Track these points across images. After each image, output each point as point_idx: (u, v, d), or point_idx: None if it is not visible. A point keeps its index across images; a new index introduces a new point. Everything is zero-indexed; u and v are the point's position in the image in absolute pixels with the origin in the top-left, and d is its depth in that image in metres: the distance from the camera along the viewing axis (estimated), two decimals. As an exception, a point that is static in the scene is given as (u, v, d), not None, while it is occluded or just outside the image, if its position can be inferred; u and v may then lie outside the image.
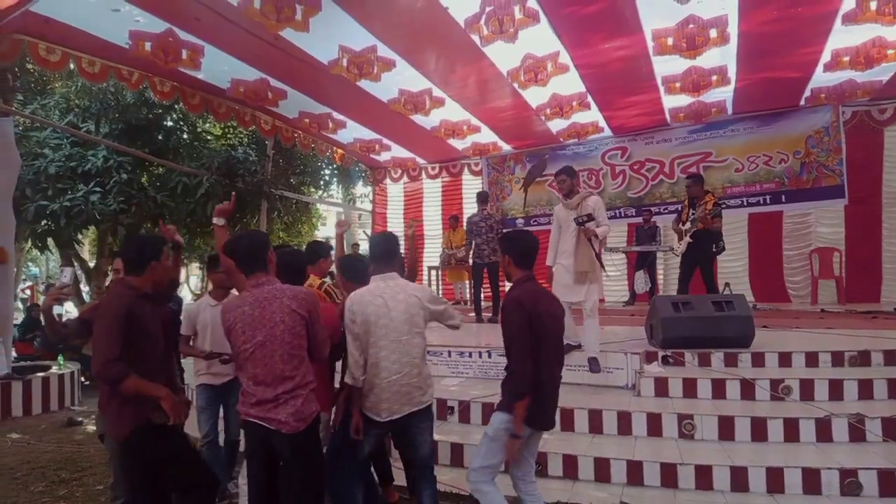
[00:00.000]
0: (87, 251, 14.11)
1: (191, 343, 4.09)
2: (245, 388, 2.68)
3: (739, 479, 3.81)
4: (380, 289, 3.06)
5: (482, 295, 8.50)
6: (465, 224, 9.33)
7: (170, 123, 11.44)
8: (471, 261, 8.62)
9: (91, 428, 6.81)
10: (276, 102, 8.91)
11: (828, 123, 9.58)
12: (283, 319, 2.63)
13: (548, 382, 2.92)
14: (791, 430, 4.23)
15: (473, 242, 8.31)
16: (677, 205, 8.92)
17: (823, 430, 4.23)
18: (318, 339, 2.74)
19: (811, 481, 3.74)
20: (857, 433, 4.17)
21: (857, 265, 9.47)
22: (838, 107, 9.41)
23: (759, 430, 4.25)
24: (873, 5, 6.30)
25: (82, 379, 8.77)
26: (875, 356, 5.07)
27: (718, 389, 4.78)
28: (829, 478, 3.72)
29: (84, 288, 13.01)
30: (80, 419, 7.10)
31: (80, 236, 11.80)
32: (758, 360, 5.18)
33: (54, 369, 8.03)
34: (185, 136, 11.61)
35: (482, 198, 8.63)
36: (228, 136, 12.44)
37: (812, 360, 5.12)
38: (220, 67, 7.78)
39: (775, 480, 3.76)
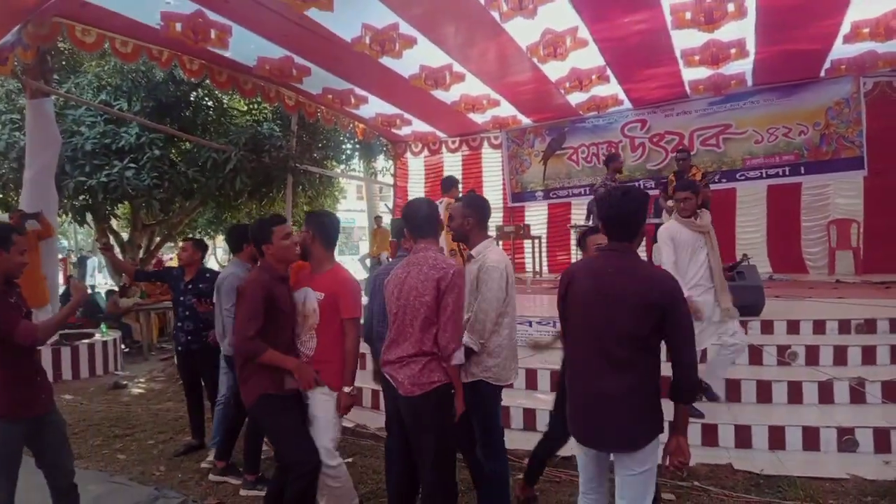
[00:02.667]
0: (117, 224, 14.60)
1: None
2: (386, 344, 2.91)
3: (743, 436, 4.08)
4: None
5: None
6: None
7: (196, 100, 11.72)
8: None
9: (136, 390, 7.31)
10: (300, 79, 9.15)
11: (848, 95, 9.55)
12: (416, 286, 2.75)
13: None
14: (795, 393, 4.49)
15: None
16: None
17: (825, 393, 4.49)
18: (445, 313, 2.71)
19: (810, 439, 4.01)
20: (857, 395, 4.42)
21: (875, 236, 9.53)
22: (859, 78, 9.37)
23: (764, 392, 4.51)
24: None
25: (123, 346, 9.26)
26: (881, 324, 5.28)
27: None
28: (828, 436, 3.99)
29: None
30: (124, 382, 7.58)
31: (115, 211, 12.24)
32: (766, 327, 5.42)
33: (98, 336, 8.51)
34: (211, 112, 11.89)
35: (450, 183, 7.78)
36: (253, 112, 12.71)
37: (819, 327, 5.34)
38: (247, 46, 8.01)
39: (777, 438, 4.02)
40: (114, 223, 13.16)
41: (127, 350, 9.64)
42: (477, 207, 3.37)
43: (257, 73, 8.88)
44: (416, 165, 14.05)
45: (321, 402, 3.12)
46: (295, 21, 7.21)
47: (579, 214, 11.57)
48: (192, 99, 11.66)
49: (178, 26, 7.33)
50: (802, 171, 9.99)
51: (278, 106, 10.32)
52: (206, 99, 12.03)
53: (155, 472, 4.48)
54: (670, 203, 7.11)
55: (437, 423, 2.71)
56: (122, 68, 10.37)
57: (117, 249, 12.35)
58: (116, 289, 11.47)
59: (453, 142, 13.30)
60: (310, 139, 12.72)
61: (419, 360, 2.70)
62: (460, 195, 7.27)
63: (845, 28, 7.71)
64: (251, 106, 12.65)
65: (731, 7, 6.98)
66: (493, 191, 12.71)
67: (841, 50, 8.45)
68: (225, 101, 12.63)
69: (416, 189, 13.95)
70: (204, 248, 5.11)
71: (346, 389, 3.12)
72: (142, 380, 7.86)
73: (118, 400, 6.84)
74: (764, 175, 10.16)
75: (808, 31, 7.82)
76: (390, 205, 14.84)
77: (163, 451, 4.97)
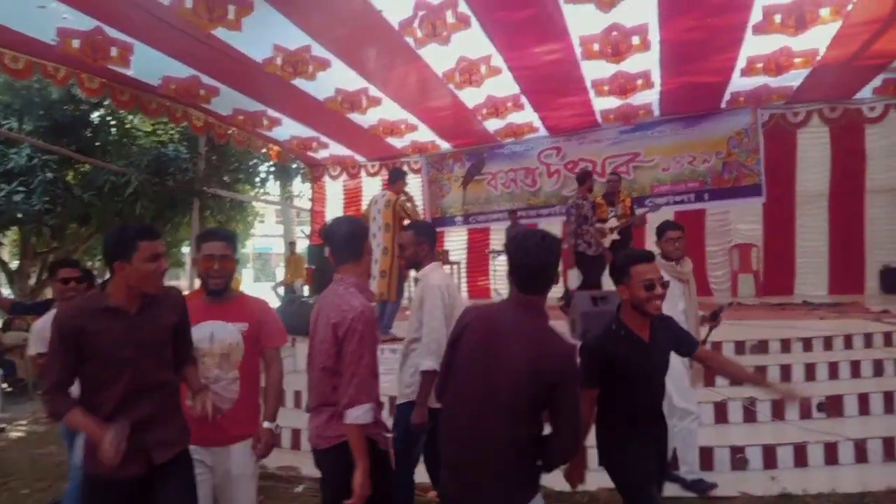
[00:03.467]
0: (7, 252, 13.48)
1: None
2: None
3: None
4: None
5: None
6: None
7: (97, 120, 11.08)
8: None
9: (15, 434, 6.63)
10: (208, 99, 8.79)
11: (747, 125, 10.14)
12: (319, 328, 2.46)
13: None
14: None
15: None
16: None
17: (720, 413, 4.63)
18: (344, 362, 2.36)
19: (706, 459, 4.10)
20: (749, 415, 4.59)
21: (774, 260, 10.09)
22: (756, 110, 9.98)
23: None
24: (778, 18, 6.76)
25: (4, 385, 8.45)
26: (773, 344, 5.54)
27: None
28: (722, 455, 4.11)
29: (6, 291, 12.45)
30: (2, 426, 6.87)
31: (2, 237, 11.29)
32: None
33: (-25, 375, 7.72)
34: (113, 132, 11.26)
35: (397, 176, 7.16)
36: (159, 132, 12.13)
37: (716, 348, 5.50)
38: (150, 65, 7.63)
39: (673, 459, 4.06)
40: (1, 251, 12.13)
41: (9, 390, 8.79)
42: (429, 234, 3.42)
43: (162, 92, 8.46)
44: (335, 189, 13.78)
45: (244, 457, 2.66)
46: (202, 40, 6.90)
47: (498, 240, 11.65)
48: (92, 119, 10.99)
49: (76, 43, 6.90)
50: (706, 198, 10.48)
51: (186, 127, 9.88)
52: (109, 119, 11.38)
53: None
54: (607, 225, 7.28)
55: (337, 483, 2.34)
56: (12, 85, 9.65)
57: (4, 279, 11.39)
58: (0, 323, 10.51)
59: (372, 166, 13.16)
60: (219, 161, 12.26)
61: (324, 411, 2.42)
62: (406, 191, 7.01)
63: (741, 63, 8.17)
64: (156, 126, 12.08)
65: (635, 40, 7.26)
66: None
67: (739, 83, 8.96)
68: (129, 121, 11.99)
69: (335, 213, 13.68)
70: (90, 277, 4.70)
71: (269, 426, 2.64)
72: (23, 422, 7.15)
73: (-5, 446, 6.18)
74: (671, 202, 10.58)
75: (707, 65, 8.25)
76: (307, 230, 14.49)
77: (38, 501, 4.48)
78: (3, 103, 9.72)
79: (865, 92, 9.37)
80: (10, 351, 9.32)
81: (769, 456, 4.16)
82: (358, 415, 2.26)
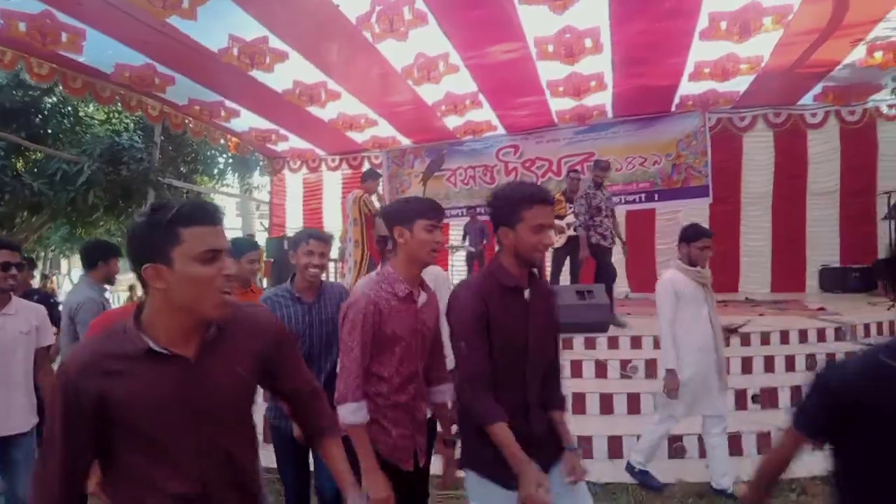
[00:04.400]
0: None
1: None
2: None
3: (587, 446, 4.28)
4: None
5: None
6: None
7: (49, 107, 10.82)
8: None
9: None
10: (163, 88, 8.67)
11: (696, 128, 10.50)
12: None
13: None
14: (634, 404, 4.76)
15: None
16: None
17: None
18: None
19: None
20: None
21: (719, 259, 10.39)
22: (704, 113, 10.34)
23: (606, 404, 4.76)
24: (724, 25, 7.05)
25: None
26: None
27: (576, 370, 5.27)
28: (661, 444, 4.26)
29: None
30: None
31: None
32: (612, 343, 5.76)
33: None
34: (65, 120, 11.01)
35: (369, 175, 7.37)
36: (113, 121, 11.91)
37: (658, 343, 5.75)
38: (103, 51, 7.50)
39: (616, 447, 4.25)
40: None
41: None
42: None
43: (116, 80, 8.33)
44: (295, 182, 13.75)
45: None
46: (156, 28, 6.83)
47: (457, 235, 11.78)
48: (43, 105, 10.73)
49: (22, 26, 6.76)
50: (656, 198, 10.81)
51: (140, 116, 9.74)
52: (60, 106, 11.13)
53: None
54: (565, 222, 7.43)
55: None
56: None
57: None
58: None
59: (333, 160, 13.16)
60: (176, 151, 12.10)
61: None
62: (380, 191, 7.22)
63: (689, 67, 8.47)
64: (110, 115, 11.86)
65: (588, 42, 7.47)
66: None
67: (688, 87, 9.28)
68: (81, 109, 11.74)
69: (295, 207, 13.65)
70: (32, 266, 4.67)
71: None
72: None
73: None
74: (623, 201, 10.87)
75: (658, 68, 8.52)
76: (266, 223, 14.41)
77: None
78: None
79: (807, 99, 9.81)
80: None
81: (703, 445, 4.33)
82: (343, 414, 2.10)
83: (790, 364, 5.67)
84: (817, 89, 9.40)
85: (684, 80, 8.91)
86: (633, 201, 10.89)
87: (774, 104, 10.07)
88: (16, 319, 3.05)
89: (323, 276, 2.96)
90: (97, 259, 4.02)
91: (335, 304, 2.83)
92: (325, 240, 2.93)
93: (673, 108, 10.28)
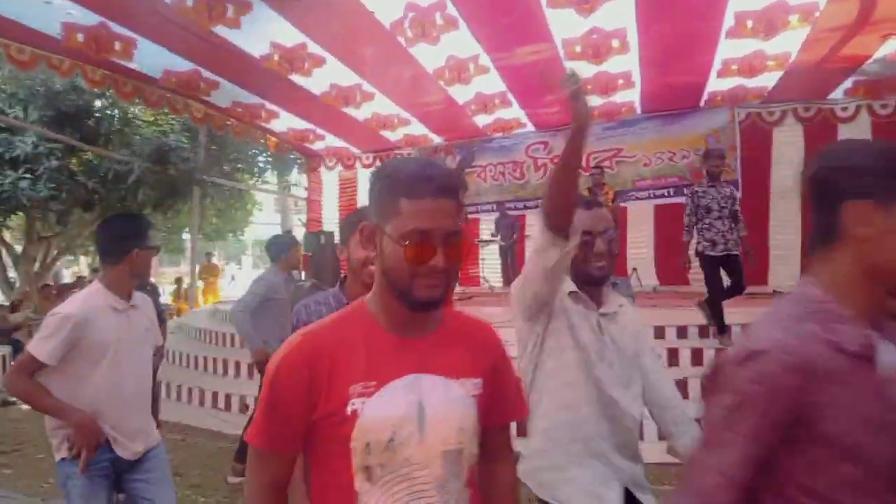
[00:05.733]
0: (11, 237, 13.86)
1: None
2: None
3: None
4: None
5: None
6: None
7: (100, 110, 11.43)
8: None
9: (26, 406, 7.04)
10: (208, 92, 9.17)
11: (725, 124, 10.57)
12: None
13: None
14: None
15: None
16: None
17: (681, 390, 5.07)
18: None
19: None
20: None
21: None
22: (733, 109, 10.40)
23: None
24: (750, 24, 7.17)
25: (13, 362, 8.86)
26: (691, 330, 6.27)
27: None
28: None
29: (11, 274, 12.83)
30: (13, 399, 7.28)
31: (7, 222, 11.66)
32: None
33: (-16, 353, 8.13)
34: (115, 122, 11.62)
35: None
36: (160, 122, 12.49)
37: (659, 333, 6.16)
38: (152, 59, 7.98)
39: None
40: (6, 235, 12.50)
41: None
42: None
43: (163, 84, 8.82)
44: (331, 180, 14.18)
45: None
46: (202, 36, 7.27)
47: (487, 230, 12.06)
48: (95, 108, 11.34)
49: (80, 37, 7.26)
50: (685, 192, 10.87)
51: (186, 118, 10.24)
52: (111, 109, 11.73)
53: (43, 485, 4.45)
54: None
55: None
56: (18, 75, 10.00)
57: (9, 262, 11.78)
58: (7, 303, 10.92)
59: (367, 157, 13.53)
60: (219, 151, 12.63)
61: None
62: None
63: (717, 64, 8.58)
64: (158, 116, 12.44)
65: (615, 43, 7.67)
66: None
67: (716, 83, 9.38)
68: (130, 111, 12.35)
69: (331, 203, 14.08)
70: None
71: None
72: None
73: (6, 417, 6.61)
74: (652, 196, 11.01)
75: (685, 66, 8.64)
76: (304, 218, 14.88)
77: (51, 464, 4.90)
78: (9, 93, 10.06)
79: (838, 93, 9.80)
80: (17, 329, 9.75)
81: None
82: None
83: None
84: (847, 83, 9.38)
85: (712, 76, 9.02)
86: (663, 195, 11.01)
87: (804, 99, 10.07)
88: (139, 313, 2.61)
89: None
90: (280, 251, 4.65)
91: None
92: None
93: (702, 104, 10.37)
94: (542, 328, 1.99)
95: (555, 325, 1.98)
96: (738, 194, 6.82)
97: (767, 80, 9.08)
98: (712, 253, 5.80)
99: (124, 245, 2.47)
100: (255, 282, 4.67)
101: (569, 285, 2.01)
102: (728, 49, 8.01)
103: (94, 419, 2.35)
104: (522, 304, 2.00)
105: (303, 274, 12.04)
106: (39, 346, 2.32)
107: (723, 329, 5.70)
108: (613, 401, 1.90)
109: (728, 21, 7.21)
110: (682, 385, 5.11)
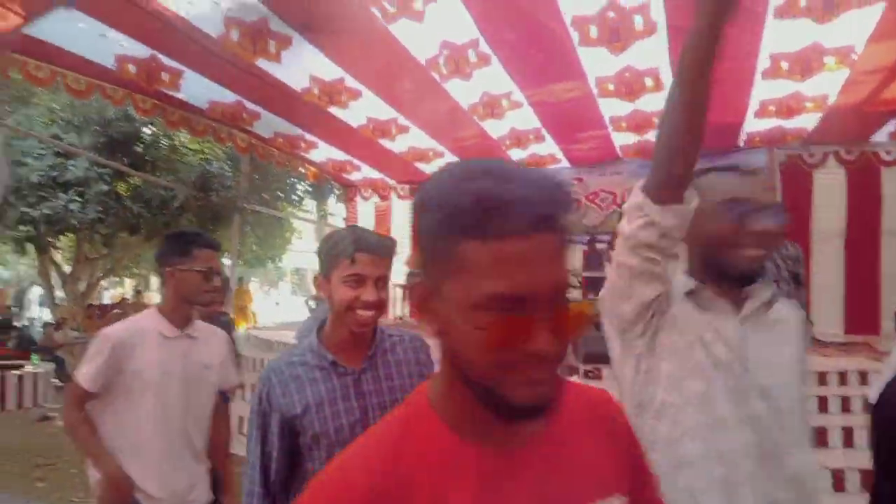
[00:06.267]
0: (61, 257, 14.46)
1: None
2: None
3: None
4: None
5: None
6: None
7: (149, 137, 11.95)
8: None
9: (60, 422, 7.28)
10: (251, 123, 9.52)
11: (764, 164, 10.38)
12: None
13: None
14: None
15: None
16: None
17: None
18: None
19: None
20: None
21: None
22: (772, 150, 10.23)
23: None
24: (785, 65, 7.11)
25: (55, 379, 9.18)
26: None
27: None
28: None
29: (58, 293, 13.34)
30: (52, 415, 7.54)
31: (57, 243, 12.20)
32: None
33: (29, 368, 8.44)
34: (163, 149, 12.13)
35: None
36: (205, 150, 12.98)
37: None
38: (199, 90, 8.36)
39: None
40: (56, 256, 13.06)
41: (59, 384, 9.53)
42: None
43: (209, 115, 9.20)
44: (367, 210, 14.41)
45: None
46: (245, 69, 7.60)
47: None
48: (144, 136, 11.88)
49: (132, 68, 7.66)
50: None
51: (230, 147, 10.63)
52: (159, 137, 12.27)
53: (73, 499, 4.56)
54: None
55: None
56: (73, 103, 10.57)
57: (58, 281, 12.26)
58: (53, 322, 11.35)
59: (402, 189, 13.74)
60: (261, 179, 13.02)
61: None
62: None
63: (755, 105, 8.50)
64: (203, 144, 12.93)
65: (648, 81, 7.68)
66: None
67: (754, 124, 9.26)
68: (177, 139, 12.88)
69: (365, 233, 14.27)
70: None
71: None
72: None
73: (44, 432, 6.83)
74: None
75: (721, 106, 8.46)
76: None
77: (84, 480, 5.04)
78: (65, 119, 10.64)
79: (881, 136, 9.57)
80: (60, 348, 10.12)
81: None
82: None
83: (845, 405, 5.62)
84: (891, 126, 9.16)
85: (749, 117, 8.92)
86: (698, 236, 10.82)
87: (846, 141, 9.86)
88: (198, 346, 2.26)
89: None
90: None
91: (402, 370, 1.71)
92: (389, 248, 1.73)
93: (740, 144, 10.23)
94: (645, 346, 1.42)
95: (665, 341, 1.42)
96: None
97: (806, 121, 8.94)
98: None
99: (161, 263, 2.25)
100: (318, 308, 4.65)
101: (685, 283, 1.49)
102: (765, 90, 7.93)
103: (124, 478, 2.04)
104: (618, 321, 1.46)
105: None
106: (82, 371, 2.11)
107: None
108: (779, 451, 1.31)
109: (763, 62, 7.17)
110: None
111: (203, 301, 2.23)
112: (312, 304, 14.73)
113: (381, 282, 1.54)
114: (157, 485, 2.12)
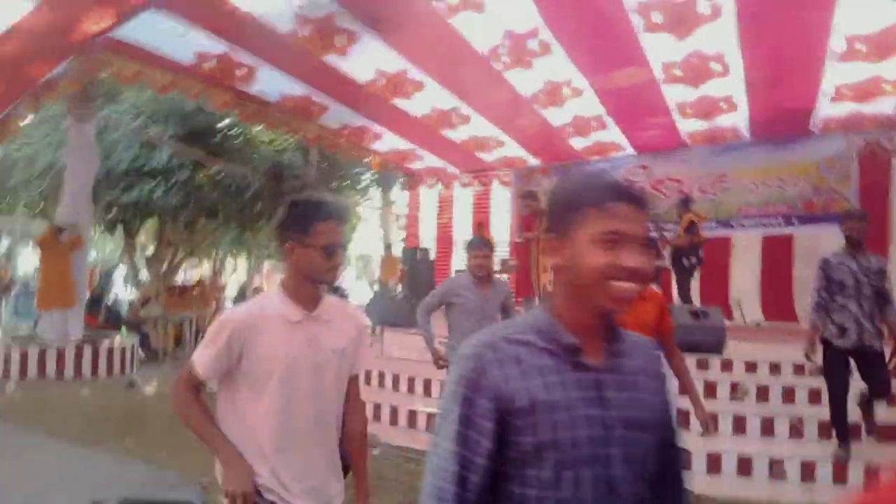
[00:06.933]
0: (143, 240, 15.47)
1: None
2: None
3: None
4: None
5: None
6: None
7: (224, 127, 12.57)
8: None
9: (146, 391, 7.91)
10: (319, 115, 9.88)
11: (840, 151, 9.94)
12: None
13: None
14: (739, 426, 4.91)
15: None
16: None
17: (767, 427, 4.91)
18: None
19: (744, 466, 4.42)
20: (795, 431, 4.84)
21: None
22: (849, 135, 9.77)
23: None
24: (861, 47, 6.81)
25: (139, 351, 9.92)
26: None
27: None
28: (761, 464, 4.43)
29: (141, 274, 14.29)
30: (137, 383, 8.19)
31: (141, 226, 13.08)
32: (726, 365, 5.87)
33: (118, 340, 9.17)
34: (238, 140, 12.73)
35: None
36: (277, 141, 13.52)
37: (775, 369, 5.80)
38: (271, 84, 8.76)
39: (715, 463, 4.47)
40: (140, 238, 13.99)
41: (144, 357, 10.29)
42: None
43: (281, 107, 9.63)
44: (430, 198, 14.67)
45: None
46: (314, 63, 7.93)
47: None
48: (220, 127, 12.49)
49: (209, 64, 8.13)
50: (795, 223, 10.33)
51: (301, 137, 11.06)
52: (234, 128, 12.88)
53: (156, 458, 5.02)
54: None
55: None
56: (155, 97, 11.25)
57: (141, 262, 13.16)
58: (137, 299, 12.21)
59: (465, 177, 13.91)
60: (329, 168, 13.46)
61: None
62: None
63: (829, 89, 8.16)
64: (275, 135, 13.47)
65: (715, 66, 7.53)
66: (502, 226, 13.26)
67: (829, 108, 8.88)
68: (251, 130, 13.47)
69: (429, 221, 14.57)
70: None
71: None
72: (153, 382, 8.47)
73: (132, 397, 7.48)
74: (759, 225, 10.52)
75: (792, 90, 8.26)
76: (403, 235, 15.50)
77: (166, 443, 5.48)
78: (149, 113, 11.35)
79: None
80: (145, 322, 10.90)
81: (808, 471, 4.49)
82: None
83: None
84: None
85: (825, 101, 8.56)
86: (770, 225, 10.50)
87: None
88: (328, 329, 2.00)
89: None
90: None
91: None
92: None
93: (815, 130, 9.82)
94: None
95: None
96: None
97: (886, 105, 8.50)
98: (840, 343, 4.38)
99: (280, 236, 1.94)
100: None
101: None
102: (840, 73, 7.62)
103: (248, 473, 1.82)
104: None
105: (399, 286, 12.59)
106: (198, 356, 1.89)
107: (845, 437, 4.41)
108: None
109: (839, 44, 6.89)
110: (769, 424, 4.96)
111: (326, 279, 1.94)
112: (377, 287, 15.21)
113: (646, 245, 1.14)
114: (286, 487, 1.87)
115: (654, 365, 1.24)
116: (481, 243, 4.34)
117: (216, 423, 1.90)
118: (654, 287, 3.17)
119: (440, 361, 4.31)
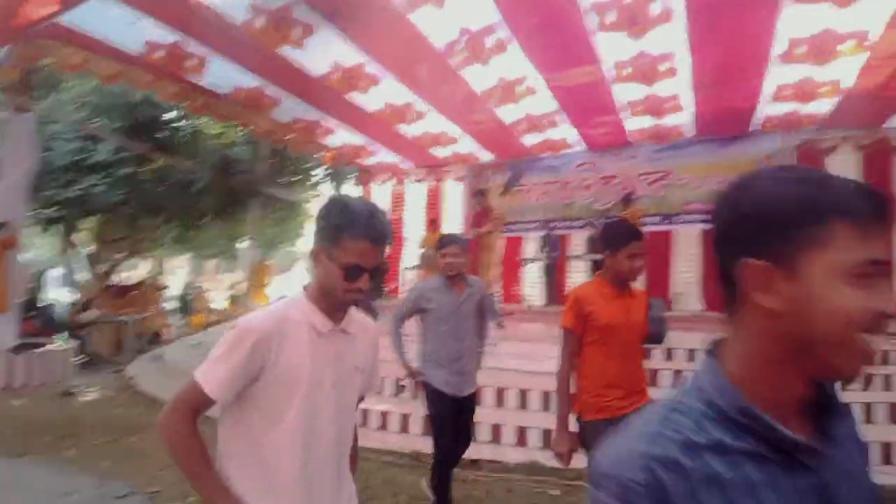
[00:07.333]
0: (82, 238, 14.80)
1: None
2: None
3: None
4: None
5: None
6: None
7: (171, 120, 12.16)
8: None
9: (85, 398, 7.58)
10: (271, 108, 9.67)
11: (779, 149, 10.43)
12: None
13: None
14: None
15: None
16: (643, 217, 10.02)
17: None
18: None
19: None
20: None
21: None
22: (788, 134, 10.27)
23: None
24: (801, 49, 7.17)
25: (81, 356, 9.49)
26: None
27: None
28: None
29: (77, 275, 13.67)
30: (73, 391, 7.84)
31: (81, 224, 12.50)
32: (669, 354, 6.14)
33: (54, 346, 8.74)
34: (185, 133, 12.34)
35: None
36: (225, 134, 13.18)
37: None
38: (223, 75, 8.51)
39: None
40: (80, 236, 13.38)
41: (82, 361, 9.85)
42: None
43: (232, 100, 9.36)
44: (382, 194, 14.55)
45: None
46: (269, 56, 7.75)
47: (531, 249, 12.15)
48: (165, 119, 12.08)
49: (159, 54, 7.83)
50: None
51: (250, 131, 10.80)
52: (181, 121, 12.48)
53: (100, 466, 4.82)
54: None
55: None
56: (100, 88, 10.78)
57: (78, 263, 12.59)
58: (76, 302, 11.67)
59: (418, 173, 13.88)
60: (279, 164, 13.20)
61: None
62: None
63: (771, 88, 8.54)
64: (223, 129, 13.12)
65: (662, 66, 7.78)
66: (454, 223, 13.28)
67: (770, 108, 9.30)
68: (198, 123, 13.08)
69: (381, 217, 14.43)
70: None
71: None
72: (94, 388, 8.12)
73: (69, 405, 7.15)
74: (701, 220, 10.93)
75: (736, 90, 8.63)
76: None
77: (106, 451, 5.30)
78: (93, 104, 10.86)
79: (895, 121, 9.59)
80: (84, 327, 10.43)
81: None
82: None
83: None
84: (907, 111, 9.19)
85: (766, 100, 8.97)
86: (711, 220, 10.89)
87: (861, 126, 9.87)
88: (352, 344, 1.80)
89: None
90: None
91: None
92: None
93: (756, 128, 10.28)
94: None
95: None
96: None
97: (822, 106, 8.97)
98: None
99: (315, 238, 1.70)
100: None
101: None
102: (782, 74, 7.99)
103: None
104: None
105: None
106: (207, 372, 1.57)
107: None
108: None
109: (781, 45, 7.22)
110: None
111: (341, 300, 1.68)
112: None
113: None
114: None
115: (853, 428, 0.87)
116: (450, 240, 3.95)
117: (213, 465, 1.60)
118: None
119: (415, 376, 3.91)
